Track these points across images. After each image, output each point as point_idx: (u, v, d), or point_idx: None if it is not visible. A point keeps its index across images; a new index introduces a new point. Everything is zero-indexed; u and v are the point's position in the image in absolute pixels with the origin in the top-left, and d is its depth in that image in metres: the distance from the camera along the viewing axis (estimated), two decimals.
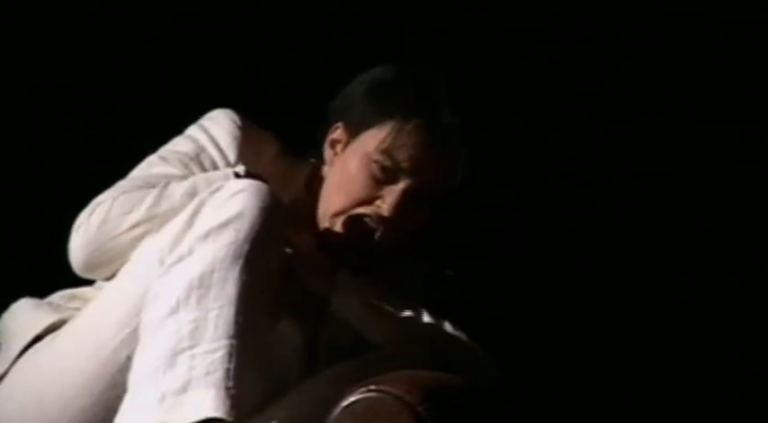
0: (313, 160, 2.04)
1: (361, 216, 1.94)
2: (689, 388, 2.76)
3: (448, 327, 1.96)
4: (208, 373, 1.63)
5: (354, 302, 1.91)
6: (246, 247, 1.70)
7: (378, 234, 1.94)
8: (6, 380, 1.87)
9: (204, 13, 2.73)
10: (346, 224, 1.94)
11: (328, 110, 2.04)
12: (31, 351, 1.86)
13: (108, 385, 1.75)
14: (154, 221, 1.82)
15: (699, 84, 2.77)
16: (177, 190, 1.84)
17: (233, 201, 1.73)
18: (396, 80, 2.00)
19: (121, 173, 1.99)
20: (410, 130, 1.94)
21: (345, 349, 1.90)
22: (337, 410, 1.66)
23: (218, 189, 1.76)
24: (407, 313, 1.93)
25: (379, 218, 1.93)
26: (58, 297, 1.97)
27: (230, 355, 1.65)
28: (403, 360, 1.82)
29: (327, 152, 2.02)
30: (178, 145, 1.99)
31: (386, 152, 1.94)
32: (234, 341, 1.66)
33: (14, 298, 1.98)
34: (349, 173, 1.96)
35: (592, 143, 2.80)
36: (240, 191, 1.74)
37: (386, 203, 1.93)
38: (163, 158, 1.96)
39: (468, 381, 1.80)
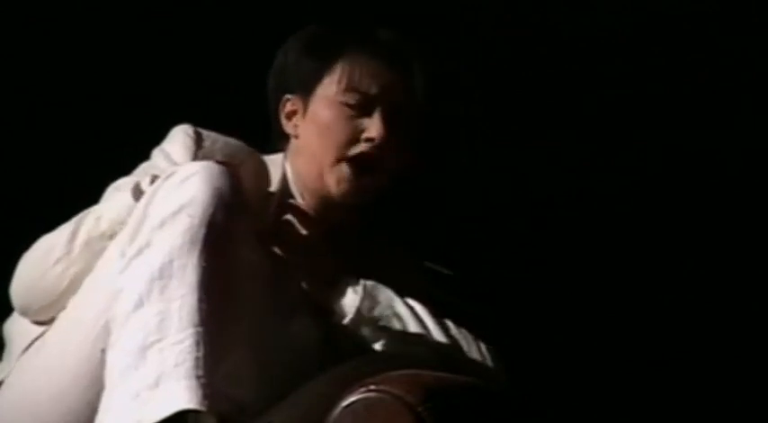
0: (281, 154, 2.05)
1: (358, 155, 1.96)
2: (690, 388, 2.76)
3: (453, 327, 1.97)
4: (177, 365, 1.62)
5: (369, 329, 1.93)
6: (203, 231, 1.68)
7: (380, 164, 1.97)
8: (6, 383, 1.87)
9: (204, 12, 2.73)
10: (350, 166, 1.97)
11: (267, 95, 2.06)
12: (27, 353, 1.86)
13: (90, 381, 1.74)
14: (72, 255, 1.83)
15: (699, 84, 2.77)
16: (88, 220, 1.84)
17: (185, 186, 1.71)
18: (325, 31, 2.05)
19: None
20: (361, 62, 1.99)
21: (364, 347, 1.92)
22: (337, 410, 1.66)
23: (170, 175, 1.75)
24: (414, 329, 1.94)
25: (374, 148, 1.96)
26: None
27: (198, 343, 1.63)
28: (404, 360, 1.82)
29: (288, 126, 2.04)
30: (135, 169, 2.00)
31: (348, 89, 1.98)
32: (200, 329, 1.64)
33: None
34: (323, 123, 1.99)
35: (592, 143, 2.81)
36: (191, 175, 1.72)
37: (372, 133, 1.96)
38: (116, 188, 1.96)
39: (469, 381, 1.80)
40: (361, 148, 1.97)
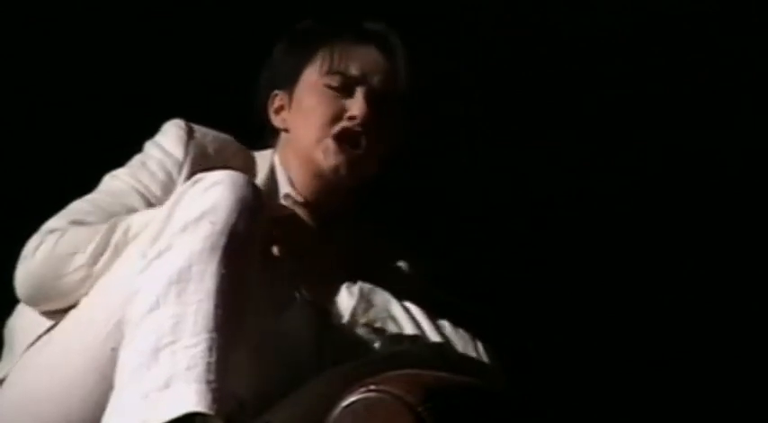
0: (270, 150, 2.08)
1: (342, 131, 1.99)
2: (690, 388, 2.76)
3: (449, 327, 1.97)
4: (189, 368, 1.63)
5: (364, 331, 1.93)
6: (223, 240, 1.70)
7: (364, 141, 1.99)
8: (7, 381, 1.87)
9: (203, 12, 2.73)
10: (334, 141, 1.99)
11: (257, 95, 2.09)
12: (29, 351, 1.86)
13: (97, 380, 1.75)
14: (96, 267, 1.84)
15: (699, 84, 2.77)
16: (117, 232, 1.85)
17: (208, 193, 1.73)
18: (309, 26, 2.09)
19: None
20: (341, 46, 2.03)
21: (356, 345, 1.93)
22: (337, 410, 1.66)
23: (196, 181, 1.77)
24: (410, 331, 1.94)
25: (357, 126, 1.99)
26: None
27: (210, 349, 1.64)
28: (404, 360, 1.82)
29: (277, 121, 2.07)
30: (130, 160, 2.02)
31: (329, 72, 2.02)
32: (214, 335, 1.65)
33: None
34: (307, 108, 2.02)
35: (592, 143, 2.81)
36: (216, 183, 1.74)
37: (354, 111, 1.99)
38: (114, 176, 1.99)
39: (469, 381, 1.80)
40: (342, 124, 2.00)
